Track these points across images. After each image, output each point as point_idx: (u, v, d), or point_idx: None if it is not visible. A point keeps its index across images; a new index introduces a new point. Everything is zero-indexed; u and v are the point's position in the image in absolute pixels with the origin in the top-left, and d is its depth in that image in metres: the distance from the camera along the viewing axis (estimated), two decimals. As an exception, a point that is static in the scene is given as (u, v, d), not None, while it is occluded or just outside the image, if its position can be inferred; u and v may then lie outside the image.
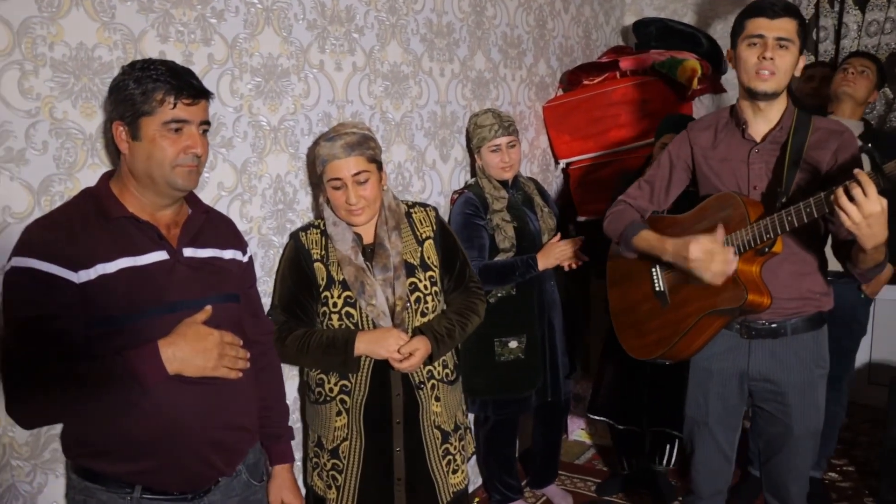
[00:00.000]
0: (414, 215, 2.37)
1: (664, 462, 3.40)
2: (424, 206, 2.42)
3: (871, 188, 1.76)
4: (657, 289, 2.39)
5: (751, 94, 2.15)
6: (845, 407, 3.49)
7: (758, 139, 2.20)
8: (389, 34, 2.80)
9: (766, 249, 2.10)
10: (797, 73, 2.16)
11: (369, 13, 2.70)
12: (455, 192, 3.13)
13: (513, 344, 2.94)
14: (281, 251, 2.39)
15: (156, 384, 1.54)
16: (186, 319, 1.60)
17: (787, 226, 1.98)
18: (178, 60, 2.00)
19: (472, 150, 3.14)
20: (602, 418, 3.44)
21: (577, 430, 4.13)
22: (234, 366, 1.65)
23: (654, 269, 2.41)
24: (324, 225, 2.28)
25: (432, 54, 3.04)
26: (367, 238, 2.28)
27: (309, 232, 2.29)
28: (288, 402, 2.12)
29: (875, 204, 1.76)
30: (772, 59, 2.07)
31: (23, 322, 1.49)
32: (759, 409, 2.35)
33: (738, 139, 2.24)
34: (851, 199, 1.77)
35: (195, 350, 1.57)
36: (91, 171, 1.86)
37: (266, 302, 2.24)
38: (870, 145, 1.83)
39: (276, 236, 2.40)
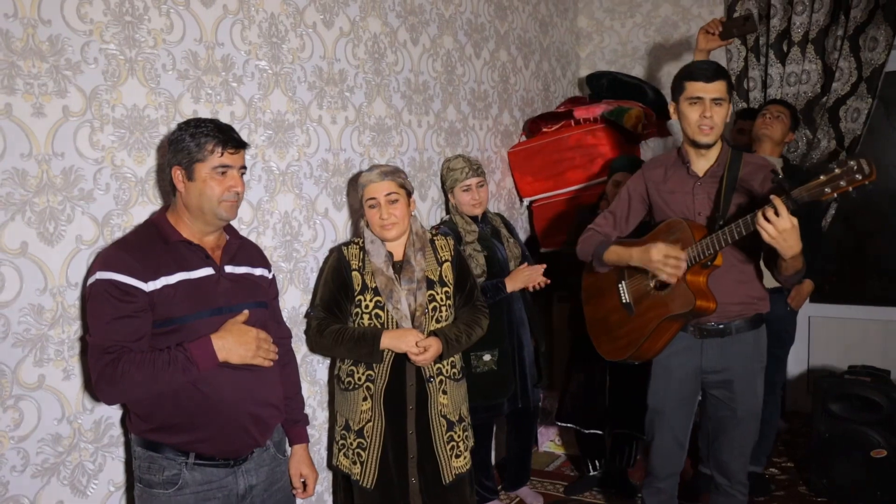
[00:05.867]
0: (436, 242, 2.85)
1: (625, 462, 3.81)
2: (445, 234, 2.90)
3: (783, 209, 2.21)
4: (624, 301, 2.83)
5: (694, 145, 2.61)
6: (779, 409, 3.93)
7: (700, 174, 2.65)
8: (375, 92, 3.28)
9: (709, 263, 2.53)
10: (727, 120, 2.61)
11: (358, 75, 3.17)
12: (433, 227, 3.53)
13: (487, 357, 3.32)
14: (289, 276, 2.82)
15: (208, 369, 1.96)
16: (230, 319, 2.03)
17: (724, 243, 2.42)
18: (207, 116, 2.46)
19: (446, 190, 3.57)
20: (569, 424, 3.85)
21: (546, 443, 4.49)
22: (267, 356, 2.07)
23: (620, 285, 2.85)
24: (362, 242, 2.75)
25: (411, 108, 3.51)
26: (397, 256, 2.76)
27: (349, 247, 2.76)
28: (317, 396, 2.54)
29: (786, 221, 2.21)
30: (710, 116, 2.53)
31: (107, 321, 1.90)
32: (710, 396, 2.76)
33: (684, 174, 2.69)
34: (768, 219, 2.23)
35: (238, 343, 2.00)
36: (141, 207, 2.28)
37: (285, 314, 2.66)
38: (781, 175, 2.31)
39: (285, 262, 2.82)
